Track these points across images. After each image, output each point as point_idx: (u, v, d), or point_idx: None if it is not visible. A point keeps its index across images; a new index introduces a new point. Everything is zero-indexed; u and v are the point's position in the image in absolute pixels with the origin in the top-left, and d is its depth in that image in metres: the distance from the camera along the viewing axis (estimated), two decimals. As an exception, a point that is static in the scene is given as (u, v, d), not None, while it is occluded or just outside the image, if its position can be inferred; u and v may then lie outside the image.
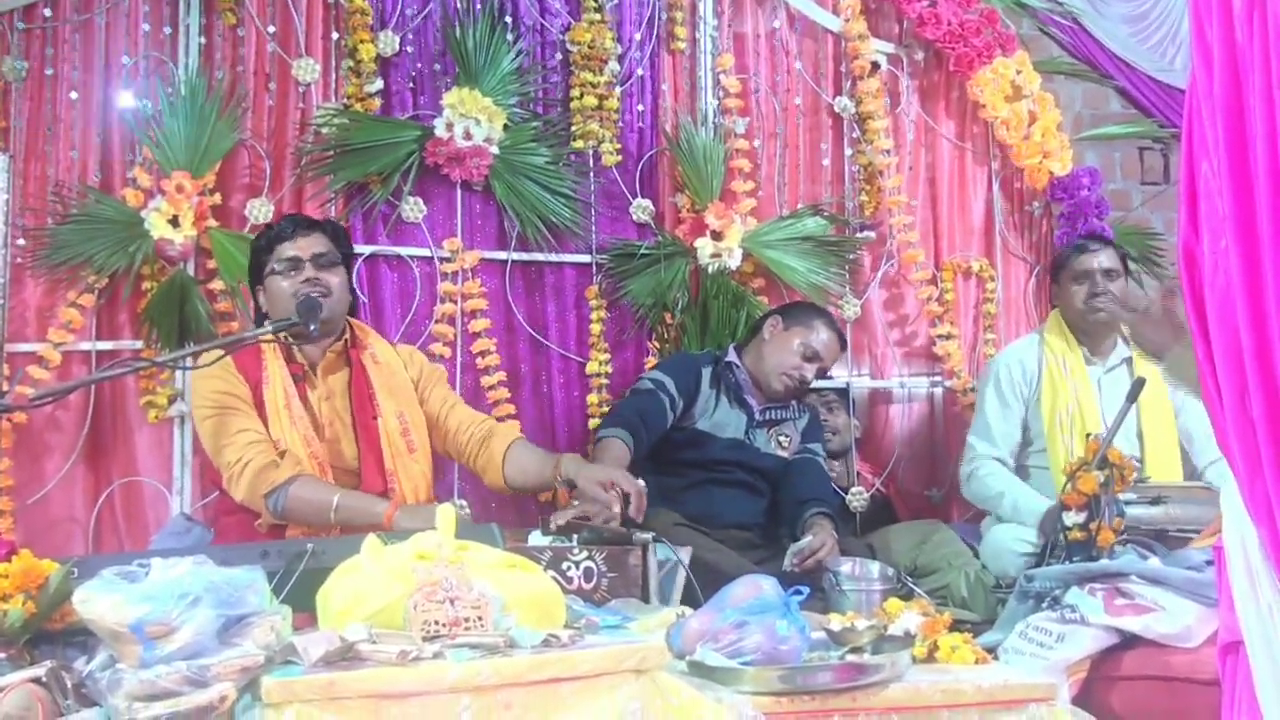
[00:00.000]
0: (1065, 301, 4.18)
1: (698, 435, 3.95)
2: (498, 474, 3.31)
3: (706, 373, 4.00)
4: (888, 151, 4.70)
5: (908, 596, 3.11)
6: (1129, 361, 4.11)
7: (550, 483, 3.25)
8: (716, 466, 3.93)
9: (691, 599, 2.73)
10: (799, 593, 2.29)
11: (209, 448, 3.17)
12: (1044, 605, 3.04)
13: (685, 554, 2.88)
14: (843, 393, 4.67)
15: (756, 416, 4.01)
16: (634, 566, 2.65)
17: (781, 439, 4.05)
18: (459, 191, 4.22)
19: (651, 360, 4.35)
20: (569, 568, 2.63)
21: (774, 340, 4.03)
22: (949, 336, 4.75)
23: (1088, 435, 3.68)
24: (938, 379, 4.83)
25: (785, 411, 4.09)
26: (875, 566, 3.41)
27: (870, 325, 4.79)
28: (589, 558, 2.64)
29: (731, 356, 4.06)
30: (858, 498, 4.53)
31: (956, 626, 2.59)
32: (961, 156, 4.93)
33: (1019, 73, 4.81)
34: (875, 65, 4.75)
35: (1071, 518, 3.30)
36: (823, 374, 4.14)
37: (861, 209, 4.75)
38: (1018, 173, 4.92)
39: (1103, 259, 4.13)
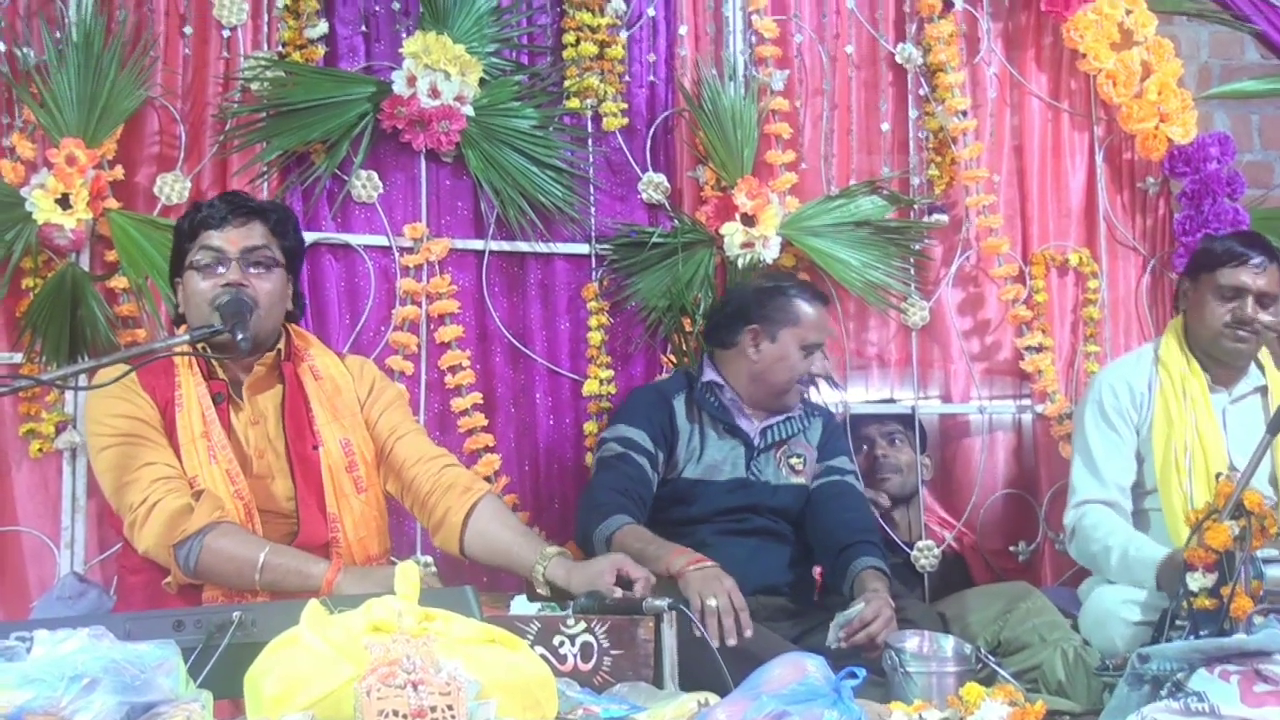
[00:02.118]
0: (1199, 314, 4.10)
1: (688, 487, 3.90)
2: (454, 540, 3.26)
3: (680, 405, 3.96)
4: (964, 113, 4.72)
5: (989, 680, 3.10)
6: (1263, 391, 4.09)
7: (525, 576, 3.14)
8: (720, 519, 3.89)
9: (717, 683, 2.73)
10: (853, 675, 2.29)
11: (106, 487, 3.15)
12: (1163, 693, 3.02)
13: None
14: (908, 420, 4.67)
15: (756, 442, 3.98)
16: (644, 641, 2.65)
17: (793, 461, 4.03)
18: (423, 163, 4.24)
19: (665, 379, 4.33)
20: (562, 643, 2.63)
21: (765, 356, 3.97)
22: (1040, 348, 4.75)
23: (1217, 475, 3.66)
24: (1026, 402, 4.83)
25: (789, 424, 4.05)
26: (948, 642, 3.39)
27: (942, 334, 4.81)
28: (587, 631, 2.64)
29: (710, 374, 4.02)
30: (927, 554, 4.52)
31: (1052, 718, 2.58)
32: (1056, 119, 4.95)
33: (1129, 13, 4.82)
34: (948, 3, 4.77)
35: (1197, 580, 3.28)
36: (826, 352, 4.14)
37: (930, 186, 4.77)
38: (1127, 140, 4.93)
39: (1264, 279, 4.02)
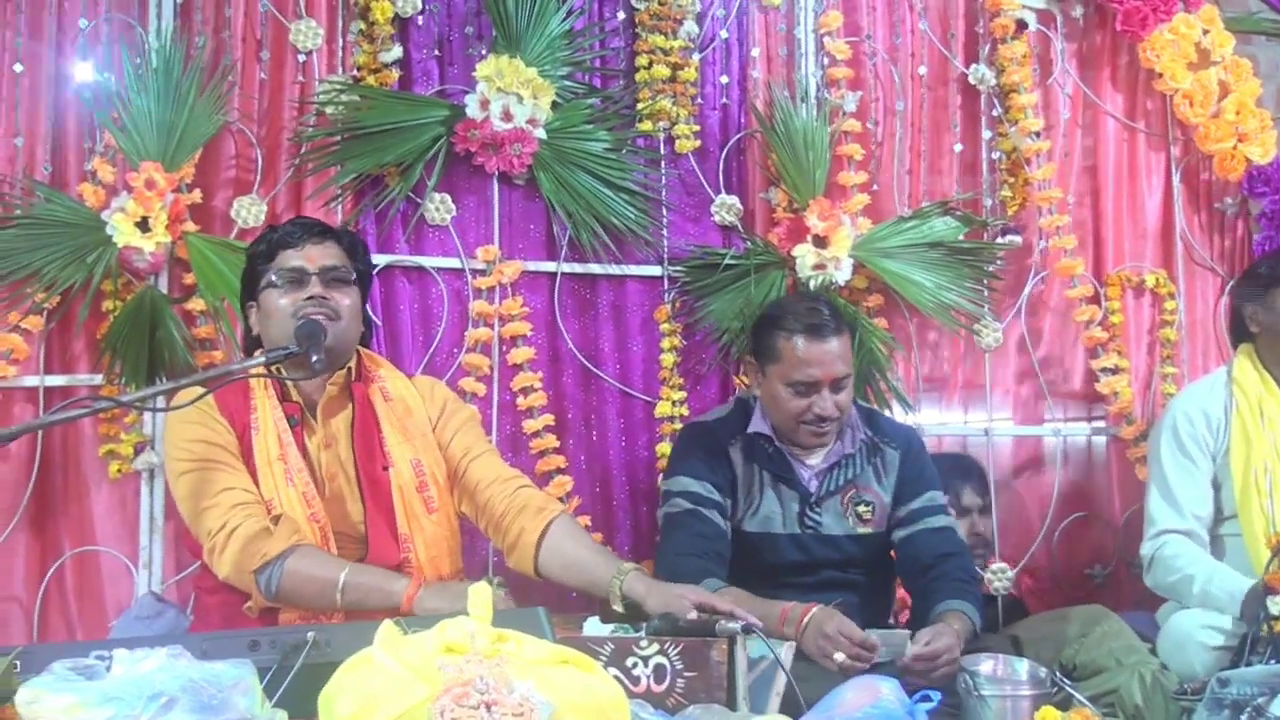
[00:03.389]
0: (1269, 332, 4.09)
1: (748, 540, 3.78)
2: (529, 559, 3.23)
3: (737, 453, 3.81)
4: (1037, 134, 4.69)
5: (1065, 704, 3.07)
6: (1344, 408, 4.04)
7: (601, 593, 3.09)
8: (783, 573, 3.76)
9: (792, 707, 2.71)
10: (927, 699, 2.28)
11: (185, 511, 3.16)
12: (1243, 717, 2.99)
13: (787, 651, 2.85)
14: (965, 466, 4.64)
15: (814, 491, 3.81)
16: (718, 664, 2.63)
17: (861, 510, 3.82)
18: (496, 186, 4.26)
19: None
20: (635, 665, 2.62)
21: (763, 392, 3.82)
22: (1116, 370, 4.71)
23: (1300, 500, 3.63)
24: (1101, 425, 4.78)
25: (851, 464, 3.85)
26: (1023, 665, 3.36)
27: (1016, 356, 4.79)
28: (661, 652, 2.63)
29: (760, 425, 3.83)
30: (1000, 577, 4.48)
31: (1129, 744, 2.56)
32: (1132, 140, 4.92)
33: (1206, 32, 4.79)
34: (1022, 24, 4.75)
35: (1278, 604, 3.25)
36: (842, 384, 3.74)
37: (1004, 207, 4.74)
38: (1205, 160, 4.89)
39: None
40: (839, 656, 3.12)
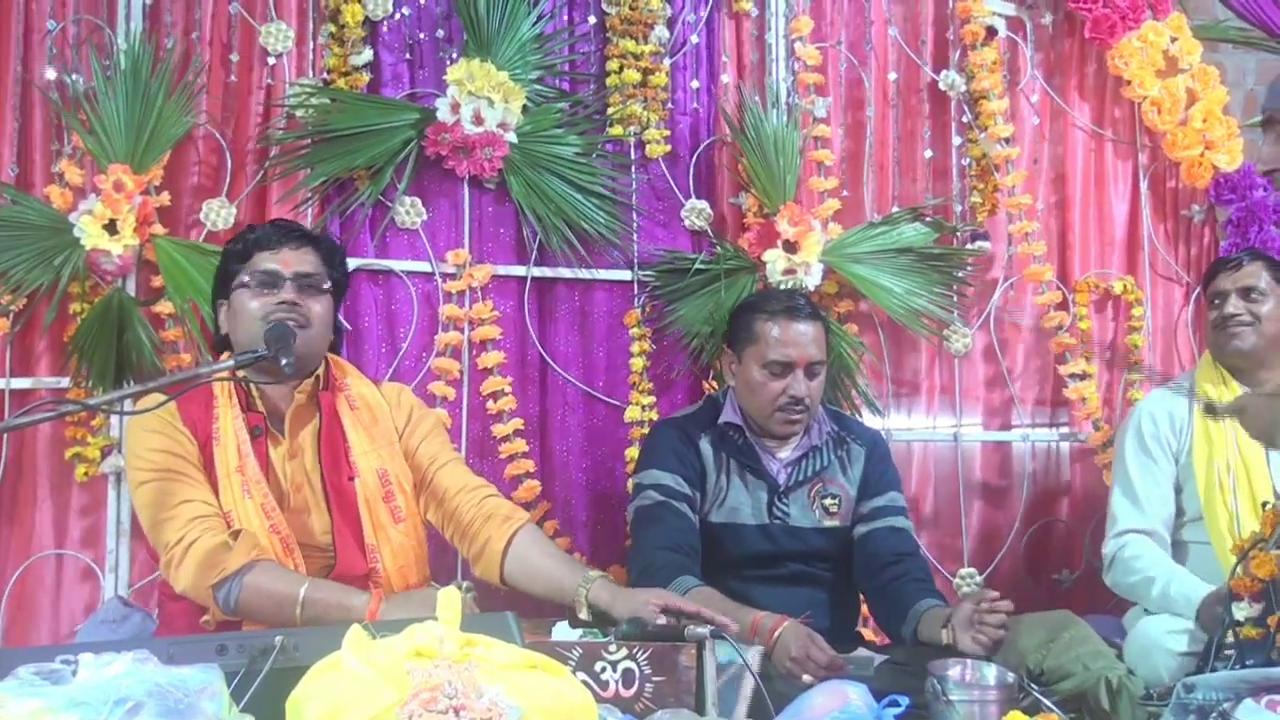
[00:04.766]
0: (1207, 330, 4.21)
1: (714, 531, 3.76)
2: (494, 568, 3.23)
3: (705, 445, 3.82)
4: (1006, 140, 4.71)
5: (1033, 709, 3.08)
6: (1309, 406, 4.08)
7: (568, 602, 3.08)
8: (748, 565, 3.77)
9: (760, 711, 2.72)
10: (895, 704, 2.28)
11: (145, 521, 3.13)
12: (1208, 722, 3.01)
13: (754, 656, 2.85)
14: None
15: (781, 483, 3.82)
16: (686, 668, 2.63)
17: (828, 502, 3.84)
18: (466, 190, 4.26)
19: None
20: (604, 669, 2.62)
21: (739, 380, 3.85)
22: (1083, 376, 4.74)
23: (1264, 504, 3.64)
24: (1068, 430, 4.81)
25: (818, 456, 3.87)
26: (991, 670, 3.35)
27: (984, 361, 4.81)
28: (629, 657, 2.63)
29: (731, 415, 3.86)
30: (969, 581, 4.49)
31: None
32: (1100, 147, 4.95)
33: (1174, 40, 4.81)
34: (992, 31, 4.77)
35: (1244, 609, 3.26)
36: (815, 370, 3.79)
37: (973, 213, 4.76)
38: (1172, 168, 4.92)
39: (1240, 276, 4.12)
40: (807, 679, 3.11)
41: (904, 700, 2.38)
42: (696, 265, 4.38)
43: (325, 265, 3.27)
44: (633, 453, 4.29)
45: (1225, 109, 4.86)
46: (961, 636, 3.27)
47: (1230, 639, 3.29)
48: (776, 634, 3.24)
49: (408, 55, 4.27)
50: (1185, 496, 4.07)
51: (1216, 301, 4.13)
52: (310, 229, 3.46)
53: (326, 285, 3.25)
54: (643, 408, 4.33)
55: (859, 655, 3.40)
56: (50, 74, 3.98)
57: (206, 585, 2.96)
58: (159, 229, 3.93)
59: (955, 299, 4.67)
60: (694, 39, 4.54)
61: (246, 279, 3.17)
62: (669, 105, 4.49)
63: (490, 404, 4.20)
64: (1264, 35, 5.23)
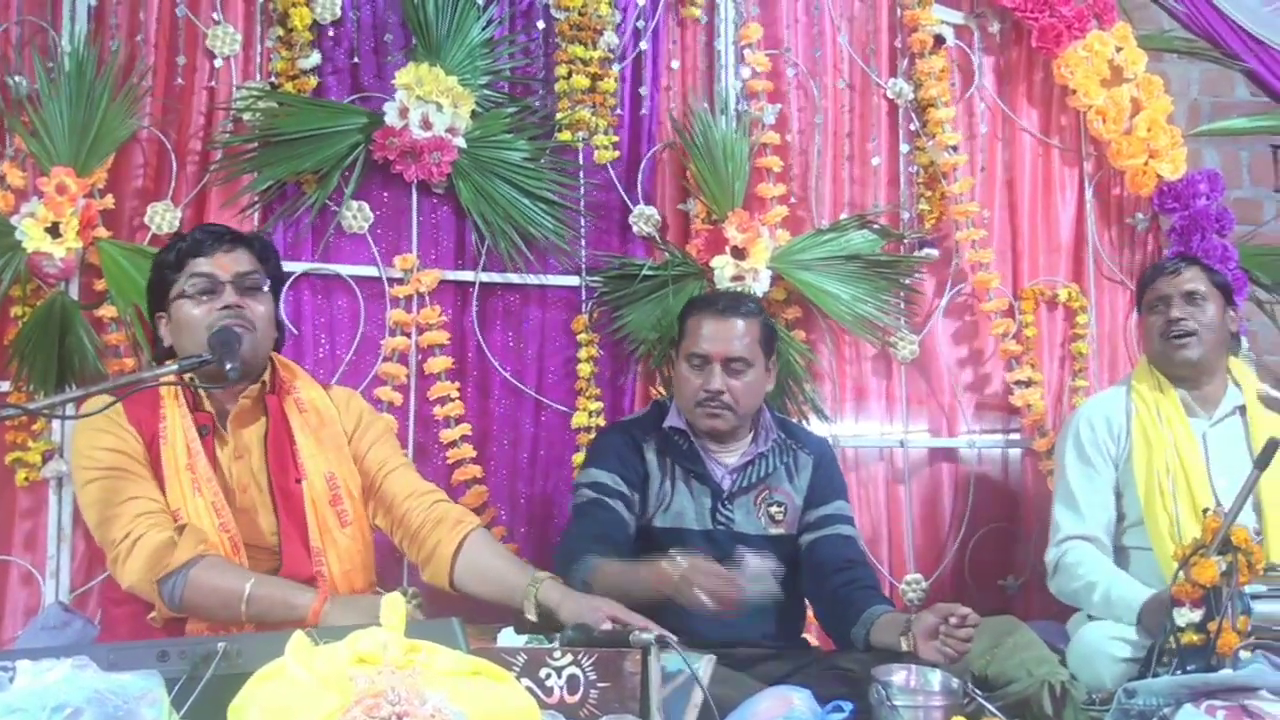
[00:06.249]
0: (1146, 338, 4.23)
1: (659, 536, 3.70)
2: (444, 572, 3.25)
3: (651, 449, 3.81)
4: (954, 148, 4.74)
5: (977, 714, 3.10)
6: (1242, 410, 4.11)
7: (517, 604, 3.12)
8: None
9: (706, 718, 2.72)
10: (839, 709, 2.29)
11: (91, 520, 3.12)
12: (1150, 727, 3.03)
13: (705, 664, 2.85)
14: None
15: (726, 488, 3.80)
16: (631, 674, 2.63)
17: (773, 510, 3.83)
18: (414, 195, 4.25)
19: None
20: (549, 675, 2.61)
21: (674, 378, 3.88)
22: (1030, 383, 4.77)
23: (1204, 511, 3.67)
24: (1015, 436, 4.83)
25: (763, 462, 3.85)
26: (936, 676, 3.37)
27: (931, 368, 4.82)
28: (574, 663, 2.62)
29: (675, 419, 3.85)
30: (915, 587, 4.51)
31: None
32: (1047, 155, 4.98)
33: (1119, 50, 4.85)
34: (940, 39, 4.80)
35: (1184, 616, 3.29)
36: (736, 367, 3.73)
37: (921, 220, 4.79)
38: (1117, 176, 4.96)
39: (1182, 281, 4.15)
40: (701, 596, 3.08)
41: (848, 705, 2.39)
42: (644, 271, 4.39)
43: (261, 264, 3.25)
44: (580, 459, 4.27)
45: (1169, 118, 4.89)
46: (924, 646, 3.24)
47: (1171, 644, 3.32)
48: (677, 575, 3.21)
49: (356, 59, 4.25)
50: (1126, 502, 4.10)
51: (1160, 307, 4.15)
52: (241, 231, 3.42)
53: (265, 285, 3.24)
54: (590, 413, 4.33)
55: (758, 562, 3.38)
56: (-8, 76, 3.95)
57: (153, 580, 2.96)
58: (103, 232, 3.90)
59: (903, 306, 4.69)
60: (643, 45, 4.54)
61: (185, 288, 3.15)
62: (617, 111, 4.49)
63: (437, 409, 4.19)
64: (1208, 45, 5.28)
